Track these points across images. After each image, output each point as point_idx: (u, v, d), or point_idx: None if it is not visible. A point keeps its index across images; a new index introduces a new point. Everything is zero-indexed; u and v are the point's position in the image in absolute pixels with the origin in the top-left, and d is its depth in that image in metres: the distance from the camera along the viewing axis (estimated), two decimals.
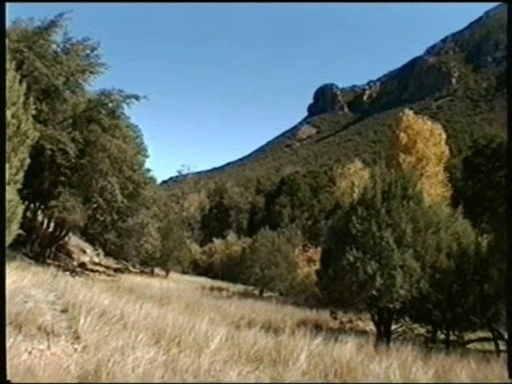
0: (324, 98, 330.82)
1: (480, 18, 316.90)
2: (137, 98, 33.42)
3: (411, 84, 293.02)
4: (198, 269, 70.15)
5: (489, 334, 19.04)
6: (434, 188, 41.16)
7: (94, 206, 34.24)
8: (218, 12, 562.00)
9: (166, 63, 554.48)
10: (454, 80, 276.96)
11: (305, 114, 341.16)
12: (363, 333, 19.04)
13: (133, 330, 9.98)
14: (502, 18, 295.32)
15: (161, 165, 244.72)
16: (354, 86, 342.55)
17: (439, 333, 19.93)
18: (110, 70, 32.72)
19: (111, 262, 50.01)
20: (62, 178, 32.86)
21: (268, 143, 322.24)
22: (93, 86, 33.28)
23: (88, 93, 34.23)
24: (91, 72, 31.94)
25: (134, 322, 10.77)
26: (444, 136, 45.81)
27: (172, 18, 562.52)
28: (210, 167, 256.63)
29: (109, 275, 38.46)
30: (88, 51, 32.20)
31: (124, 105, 33.98)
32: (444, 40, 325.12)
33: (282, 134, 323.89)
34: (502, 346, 18.46)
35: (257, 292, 43.41)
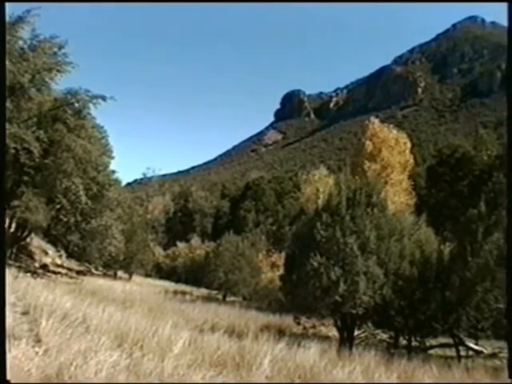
0: (291, 104, 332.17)
1: (447, 31, 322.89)
2: (103, 98, 33.09)
3: (378, 92, 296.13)
4: (161, 272, 69.82)
5: (450, 340, 19.32)
6: (398, 196, 41.57)
7: (58, 206, 33.83)
8: (188, 14, 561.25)
9: (132, 64, 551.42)
10: (419, 90, 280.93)
11: (271, 119, 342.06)
12: (326, 338, 19.17)
13: (95, 333, 9.86)
14: (468, 31, 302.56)
15: (126, 167, 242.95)
16: (321, 92, 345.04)
17: (401, 338, 20.15)
18: (77, 69, 32.36)
19: (74, 264, 49.48)
20: (26, 178, 32.41)
21: (234, 148, 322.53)
22: (59, 84, 32.88)
23: (54, 91, 33.80)
24: (58, 70, 31.48)
25: (97, 325, 10.65)
26: (409, 145, 46.33)
27: (141, 19, 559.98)
28: (175, 170, 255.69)
29: (71, 277, 38.01)
30: (55, 49, 31.71)
31: (90, 105, 33.65)
32: (411, 50, 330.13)
33: (248, 139, 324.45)
34: (463, 352, 18.81)
35: (220, 296, 43.36)
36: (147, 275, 58.79)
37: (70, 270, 44.87)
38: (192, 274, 61.60)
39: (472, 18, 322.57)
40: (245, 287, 44.09)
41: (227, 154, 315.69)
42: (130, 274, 52.07)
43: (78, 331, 9.86)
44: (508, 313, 12.02)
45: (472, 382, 11.54)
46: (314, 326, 21.13)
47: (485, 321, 16.25)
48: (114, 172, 41.25)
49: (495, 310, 15.63)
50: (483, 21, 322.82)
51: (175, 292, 39.15)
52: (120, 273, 52.07)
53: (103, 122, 39.19)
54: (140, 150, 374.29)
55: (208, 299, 37.20)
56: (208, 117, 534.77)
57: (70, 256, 50.42)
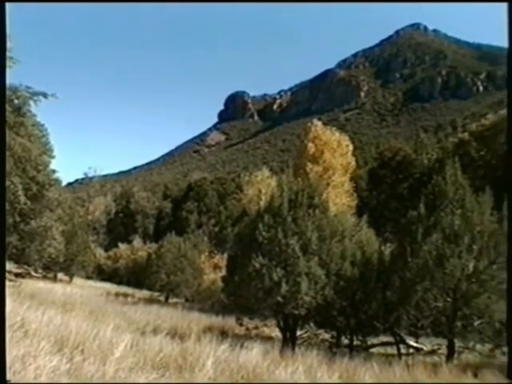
0: (234, 106, 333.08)
1: (390, 37, 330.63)
2: (45, 95, 32.35)
3: (321, 95, 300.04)
4: (102, 274, 68.71)
5: (391, 339, 19.69)
6: (339, 197, 42.05)
7: None
8: (132, 14, 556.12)
9: (74, 63, 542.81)
10: (362, 94, 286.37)
11: (215, 120, 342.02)
12: (269, 339, 19.20)
13: (34, 337, 9.62)
14: (411, 38, 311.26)
15: (67, 166, 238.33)
16: (265, 94, 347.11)
17: (343, 338, 20.36)
18: (18, 65, 31.55)
19: (12, 267, 48.32)
20: None
21: (176, 148, 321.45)
22: None
23: None
24: None
25: (36, 330, 10.39)
26: (351, 147, 46.90)
27: (84, 19, 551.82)
28: (116, 170, 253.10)
29: (9, 280, 37.01)
30: None
31: (31, 102, 32.87)
32: (355, 55, 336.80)
33: (191, 140, 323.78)
34: (404, 350, 19.22)
35: (162, 298, 43.01)
36: (88, 277, 57.76)
37: (8, 272, 43.79)
38: (134, 276, 60.98)
39: (415, 26, 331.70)
40: (187, 289, 43.88)
41: (170, 154, 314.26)
42: (71, 277, 51.13)
43: (17, 336, 9.60)
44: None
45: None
46: (256, 327, 21.17)
47: (424, 319, 16.58)
48: (54, 171, 40.14)
49: (434, 309, 15.98)
50: (425, 28, 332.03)
51: (117, 294, 38.64)
52: (60, 275, 51.04)
53: (44, 120, 38.31)
54: (81, 150, 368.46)
55: (150, 301, 36.91)
56: (150, 117, 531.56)
57: (8, 258, 49.26)
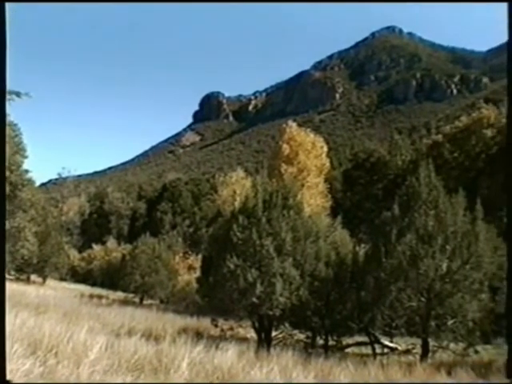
0: (209, 106, 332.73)
1: (366, 39, 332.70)
2: (18, 94, 31.96)
3: (296, 97, 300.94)
4: (76, 276, 68.13)
5: (365, 339, 19.78)
6: (314, 198, 42.15)
7: None
8: (107, 12, 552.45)
9: (49, 62, 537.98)
10: (337, 95, 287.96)
11: (190, 120, 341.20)
12: (244, 340, 19.16)
13: (7, 341, 9.53)
14: (386, 40, 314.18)
15: (40, 166, 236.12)
16: (240, 95, 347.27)
17: (318, 338, 20.39)
18: None
19: None
20: None
21: (151, 148, 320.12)
22: None
23: None
24: None
25: (9, 333, 10.21)
26: (325, 148, 47.10)
27: (61, 15, 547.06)
28: (91, 171, 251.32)
29: None
30: None
31: None
32: (330, 57, 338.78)
33: (166, 140, 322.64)
34: (378, 349, 19.35)
35: (137, 299, 42.72)
36: (62, 279, 57.19)
37: None
38: (108, 277, 60.51)
39: (390, 28, 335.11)
40: (162, 290, 43.68)
41: (144, 154, 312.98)
42: (44, 278, 50.64)
43: None
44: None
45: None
46: (231, 328, 21.11)
47: (399, 319, 16.67)
48: (27, 172, 39.73)
49: (408, 309, 16.08)
50: (401, 31, 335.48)
51: (91, 296, 38.34)
52: (33, 277, 50.55)
53: (17, 120, 37.89)
54: (55, 150, 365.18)
55: (125, 303, 36.65)
56: (125, 117, 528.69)
57: None
